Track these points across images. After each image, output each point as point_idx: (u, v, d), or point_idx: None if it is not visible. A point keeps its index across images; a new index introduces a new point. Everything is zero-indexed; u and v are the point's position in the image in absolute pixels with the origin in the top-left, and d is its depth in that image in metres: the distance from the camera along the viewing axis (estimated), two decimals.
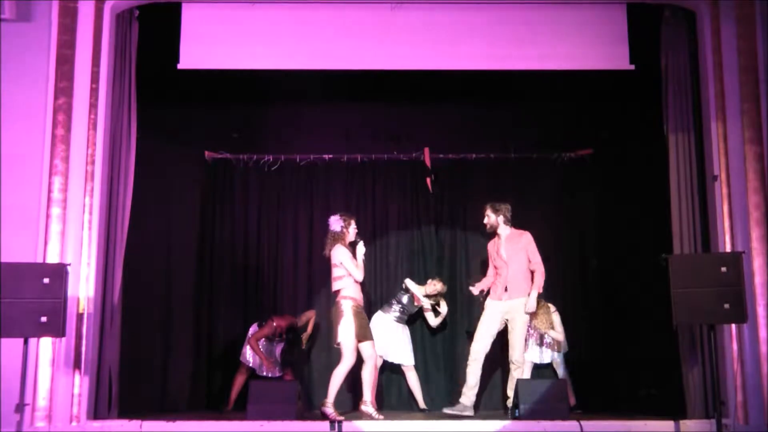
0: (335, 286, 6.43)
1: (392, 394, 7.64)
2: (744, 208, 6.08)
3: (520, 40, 6.67)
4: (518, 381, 6.41)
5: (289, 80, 7.00)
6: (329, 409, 6.14)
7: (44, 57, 6.11)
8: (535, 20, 6.67)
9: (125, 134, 6.40)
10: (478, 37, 6.67)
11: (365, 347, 6.36)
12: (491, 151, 8.17)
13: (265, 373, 7.37)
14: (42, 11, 6.16)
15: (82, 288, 5.89)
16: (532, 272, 6.72)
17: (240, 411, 6.67)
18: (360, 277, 6.38)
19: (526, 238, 6.79)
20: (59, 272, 5.31)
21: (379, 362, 7.06)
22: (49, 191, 5.92)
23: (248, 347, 7.42)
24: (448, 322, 7.69)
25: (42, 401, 5.65)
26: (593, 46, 6.65)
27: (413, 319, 7.53)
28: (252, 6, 6.63)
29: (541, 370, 7.26)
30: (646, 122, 7.08)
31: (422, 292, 7.40)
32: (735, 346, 5.97)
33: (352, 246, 6.49)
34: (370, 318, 6.95)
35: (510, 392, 6.55)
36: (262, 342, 7.41)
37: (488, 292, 6.83)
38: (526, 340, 7.25)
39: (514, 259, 6.70)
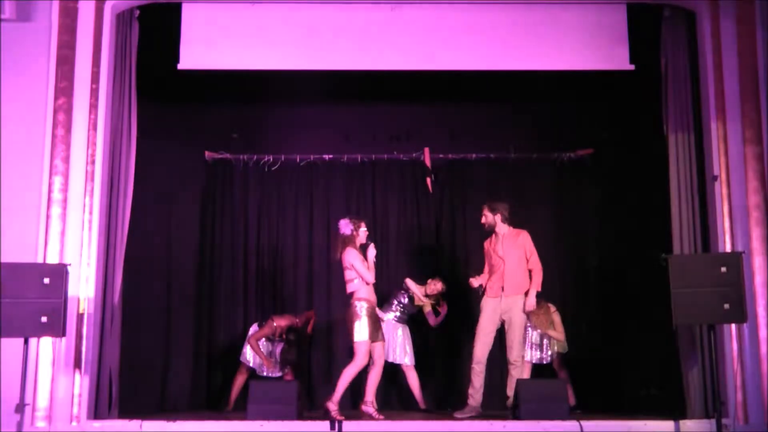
0: (349, 288, 6.47)
1: (392, 394, 7.65)
2: (744, 208, 6.08)
3: (520, 40, 6.67)
4: (518, 381, 6.40)
5: (289, 80, 7.00)
6: (334, 406, 6.16)
7: (44, 57, 6.10)
8: (535, 20, 6.67)
9: (125, 134, 6.40)
10: (478, 37, 6.67)
11: (376, 348, 6.40)
12: (491, 151, 8.17)
13: (265, 373, 7.36)
14: (42, 11, 6.16)
15: (83, 288, 5.89)
16: (529, 271, 6.72)
17: (240, 411, 6.66)
18: (371, 279, 6.41)
19: (524, 237, 6.80)
20: (59, 272, 5.31)
21: None
22: (49, 191, 5.92)
23: (248, 347, 7.42)
24: (448, 322, 7.68)
25: (42, 401, 5.65)
26: (593, 46, 6.65)
27: (413, 319, 7.52)
28: (252, 6, 6.63)
29: (541, 370, 7.26)
30: (646, 122, 7.08)
31: (422, 292, 7.41)
32: (735, 346, 5.97)
33: (363, 249, 6.50)
34: None
35: (510, 392, 6.55)
36: (262, 342, 7.41)
37: (484, 291, 6.82)
38: (526, 341, 7.27)
39: (511, 257, 6.71)
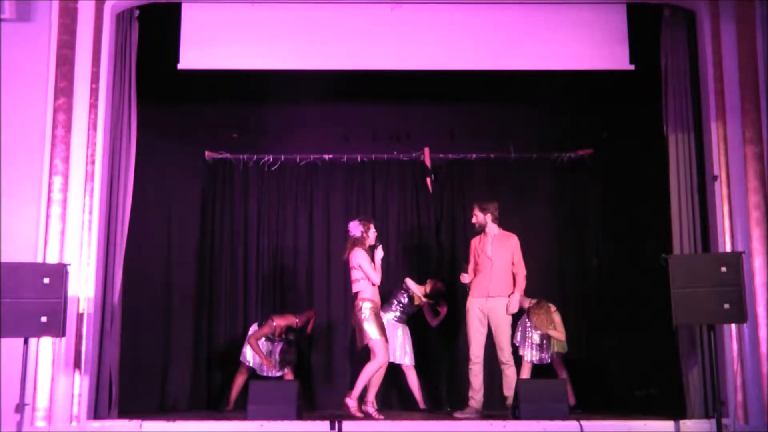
0: (355, 288, 6.49)
1: (392, 394, 7.65)
2: (744, 208, 6.08)
3: (520, 40, 6.68)
4: (518, 381, 6.41)
5: (289, 80, 7.00)
6: (352, 402, 6.18)
7: (44, 57, 6.10)
8: (535, 20, 6.67)
9: (125, 134, 6.40)
10: (478, 36, 6.67)
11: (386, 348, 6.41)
12: (491, 151, 8.17)
13: (265, 373, 7.36)
14: (42, 11, 6.16)
15: (82, 288, 5.89)
16: (514, 275, 6.75)
17: (240, 411, 6.66)
18: (377, 280, 6.44)
19: (514, 241, 6.82)
20: (59, 272, 5.31)
21: None
22: (49, 191, 5.92)
23: (248, 347, 7.42)
24: (448, 322, 7.68)
25: (42, 401, 5.65)
26: (593, 46, 6.65)
27: (413, 319, 7.52)
28: (252, 6, 6.63)
29: (541, 370, 7.26)
30: (646, 122, 7.08)
31: (422, 291, 7.41)
32: (735, 346, 5.97)
33: (371, 250, 6.51)
34: None
35: (507, 392, 6.56)
36: (262, 341, 7.41)
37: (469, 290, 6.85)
38: (526, 341, 7.27)
39: (499, 259, 6.73)
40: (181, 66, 6.57)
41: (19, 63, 6.11)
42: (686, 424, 5.79)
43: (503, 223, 7.87)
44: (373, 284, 6.44)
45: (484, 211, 6.86)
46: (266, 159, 8.16)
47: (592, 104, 7.83)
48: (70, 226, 5.92)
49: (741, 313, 5.49)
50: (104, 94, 6.19)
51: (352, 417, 6.13)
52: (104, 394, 6.02)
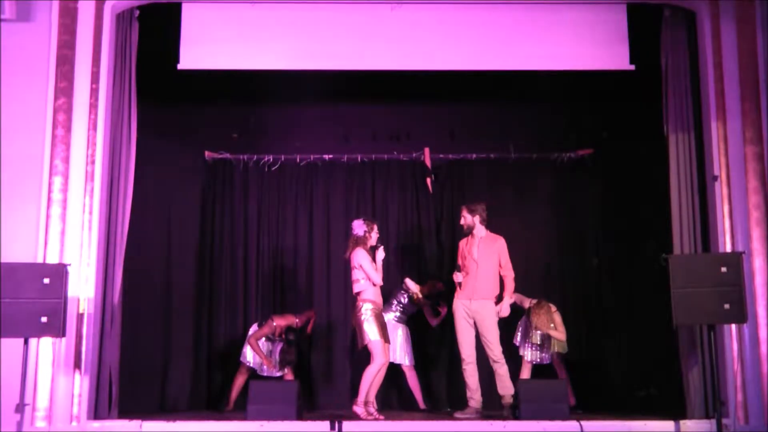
0: (355, 288, 6.48)
1: (392, 394, 7.64)
2: (744, 208, 6.08)
3: (520, 40, 6.68)
4: (518, 381, 6.41)
5: (290, 80, 7.00)
6: (360, 408, 6.17)
7: (44, 57, 6.10)
8: (535, 20, 6.67)
9: (125, 134, 6.40)
10: (478, 36, 6.67)
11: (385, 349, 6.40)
12: (491, 151, 8.17)
13: (265, 373, 7.36)
14: (42, 11, 6.16)
15: (83, 288, 5.89)
16: (501, 278, 6.77)
17: (240, 411, 6.66)
18: (378, 280, 6.42)
19: (500, 243, 6.83)
20: (59, 272, 5.31)
21: None
22: (49, 191, 5.92)
23: (248, 347, 7.42)
24: (448, 322, 7.67)
25: (42, 401, 5.65)
26: (593, 46, 6.65)
27: (413, 319, 7.52)
28: (252, 6, 6.63)
29: (541, 370, 7.26)
30: (646, 122, 7.08)
31: (422, 292, 7.40)
32: (735, 346, 5.97)
33: (373, 250, 6.51)
34: None
35: (502, 390, 6.57)
36: (262, 341, 7.41)
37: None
38: (526, 341, 7.27)
39: (485, 261, 6.74)
40: (181, 66, 6.57)
41: (19, 63, 6.11)
42: (686, 424, 5.79)
43: (503, 223, 7.90)
44: (374, 285, 6.43)
45: (472, 212, 6.88)
46: (266, 159, 8.15)
47: (592, 104, 7.83)
48: (70, 226, 5.92)
49: (741, 313, 5.49)
50: (104, 94, 6.19)
51: (357, 418, 6.12)
52: (104, 394, 6.02)
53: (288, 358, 7.33)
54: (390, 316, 7.28)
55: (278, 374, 7.39)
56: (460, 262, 6.93)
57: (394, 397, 7.65)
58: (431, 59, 6.69)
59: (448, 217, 8.21)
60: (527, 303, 7.27)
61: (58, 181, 5.94)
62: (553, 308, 7.21)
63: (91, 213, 6.01)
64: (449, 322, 7.64)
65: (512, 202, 8.17)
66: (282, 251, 8.15)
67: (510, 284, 6.77)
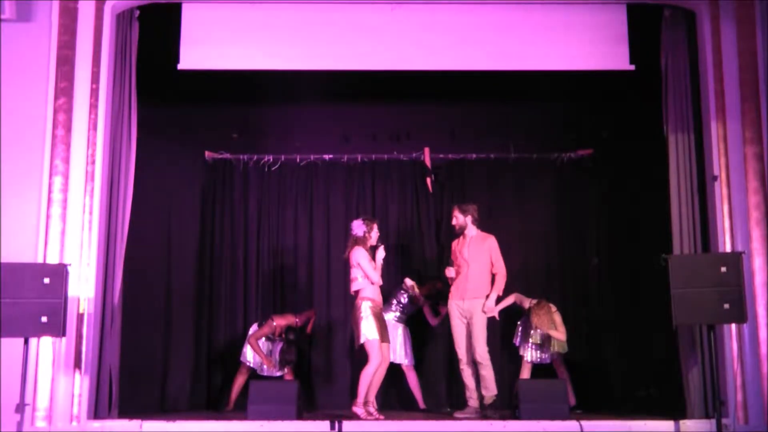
0: (353, 287, 6.49)
1: (392, 394, 7.64)
2: (744, 208, 6.08)
3: (520, 41, 6.68)
4: (519, 381, 6.40)
5: (289, 80, 7.00)
6: (360, 409, 6.17)
7: (44, 57, 6.11)
8: (535, 20, 6.67)
9: (125, 134, 6.40)
10: (479, 37, 6.67)
11: (383, 349, 6.40)
12: (491, 151, 8.17)
13: (265, 373, 7.36)
14: (42, 11, 6.16)
15: (83, 288, 5.90)
16: (494, 276, 6.77)
17: (240, 411, 6.67)
18: (377, 279, 6.42)
19: (491, 242, 6.85)
20: (59, 272, 5.31)
21: None
22: (49, 191, 5.92)
23: (248, 347, 7.42)
24: (448, 322, 7.67)
25: (42, 401, 5.65)
26: (593, 46, 6.66)
27: (413, 319, 7.52)
28: (252, 6, 6.63)
29: (541, 370, 7.26)
30: (646, 122, 7.08)
31: (422, 292, 7.40)
32: (735, 346, 5.97)
33: (373, 250, 6.51)
34: None
35: (484, 391, 6.58)
36: (262, 341, 7.41)
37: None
38: (526, 341, 7.27)
39: (475, 261, 6.75)
40: (181, 66, 6.57)
41: (19, 63, 6.11)
42: (686, 424, 5.79)
43: (503, 223, 7.92)
44: (373, 283, 6.43)
45: (464, 212, 6.90)
46: (266, 159, 8.15)
47: (592, 104, 7.83)
48: (70, 226, 5.92)
49: (741, 313, 5.49)
50: (104, 94, 6.20)
51: (356, 418, 6.12)
52: (104, 394, 6.02)
53: (288, 357, 7.33)
54: (390, 316, 7.28)
55: (278, 374, 7.39)
56: (453, 262, 6.94)
57: (394, 397, 7.64)
58: (431, 59, 6.69)
59: (448, 217, 8.17)
60: (527, 303, 7.27)
61: (58, 181, 5.95)
62: (554, 308, 7.21)
63: (91, 213, 6.01)
64: (449, 322, 7.65)
65: (512, 202, 8.17)
66: (282, 251, 8.15)
67: (499, 282, 6.78)
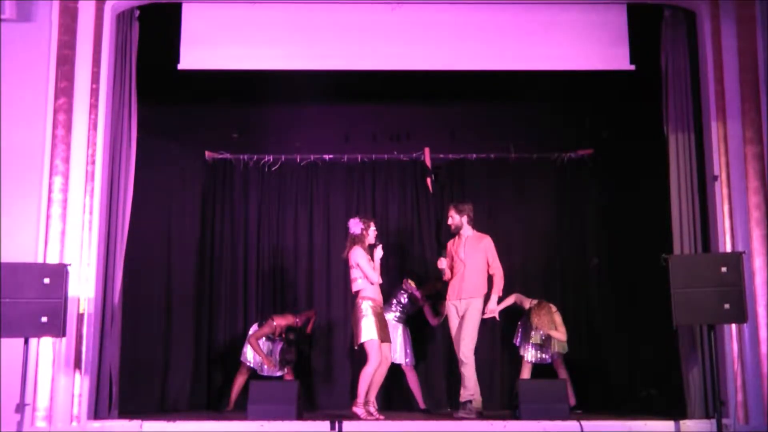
0: (354, 287, 6.48)
1: (392, 394, 7.64)
2: (744, 208, 6.08)
3: (520, 41, 6.68)
4: (519, 381, 6.40)
5: (289, 80, 7.00)
6: (360, 409, 6.17)
7: (44, 57, 6.10)
8: (535, 20, 6.67)
9: (125, 134, 6.40)
10: (478, 37, 6.67)
11: (382, 349, 6.40)
12: (491, 151, 8.17)
13: (265, 373, 7.36)
14: (42, 11, 6.16)
15: (83, 288, 5.89)
16: (491, 276, 6.78)
17: (240, 411, 6.67)
18: (375, 279, 6.41)
19: (487, 242, 6.85)
20: (59, 272, 5.31)
21: None
22: (49, 191, 5.92)
23: (249, 347, 7.42)
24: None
25: (42, 401, 5.64)
26: (593, 47, 6.65)
27: (413, 319, 7.52)
28: (252, 6, 6.63)
29: (541, 370, 7.26)
30: (646, 122, 7.08)
31: (422, 292, 7.40)
32: (735, 346, 5.97)
33: (371, 248, 6.50)
34: None
35: (462, 390, 6.56)
36: (262, 341, 7.41)
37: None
38: (528, 342, 7.27)
39: (471, 261, 6.75)
40: (181, 66, 6.57)
41: (19, 63, 6.10)
42: (686, 424, 5.79)
43: (503, 223, 7.92)
44: (372, 283, 6.42)
45: (460, 212, 6.89)
46: (266, 159, 8.16)
47: (592, 104, 7.84)
48: (70, 226, 5.92)
49: (741, 313, 5.49)
50: (104, 94, 6.19)
51: (356, 418, 6.12)
52: (104, 394, 6.02)
53: (288, 357, 7.33)
54: (390, 316, 7.27)
55: (278, 374, 7.40)
56: (449, 262, 6.94)
57: (394, 397, 7.64)
58: (431, 59, 6.69)
59: (448, 217, 8.20)
60: (527, 303, 7.27)
61: (58, 181, 5.94)
62: (554, 308, 7.21)
63: (91, 213, 6.01)
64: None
65: (512, 202, 8.18)
66: (282, 251, 8.15)
67: (498, 282, 6.77)
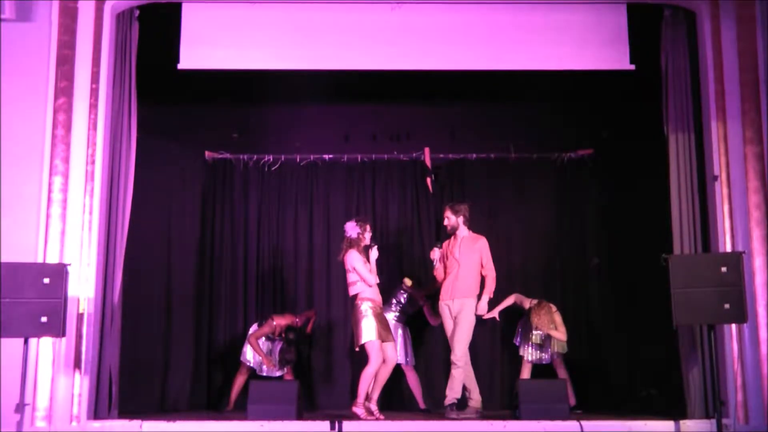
0: (352, 291, 6.47)
1: (392, 394, 7.64)
2: (744, 208, 6.07)
3: (520, 40, 6.67)
4: (519, 381, 6.40)
5: (290, 80, 7.00)
6: (359, 409, 6.17)
7: (44, 57, 6.10)
8: (535, 20, 6.67)
9: (125, 134, 6.39)
10: (478, 37, 6.67)
11: (387, 348, 6.38)
12: (491, 151, 8.17)
13: (265, 372, 7.36)
14: (42, 11, 6.16)
15: (83, 288, 5.89)
16: (484, 277, 6.77)
17: (240, 411, 6.67)
18: (372, 282, 6.39)
19: (482, 243, 6.84)
20: (59, 272, 5.31)
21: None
22: (49, 191, 5.92)
23: (248, 347, 7.42)
24: None
25: (42, 401, 5.64)
26: (593, 46, 6.65)
27: (413, 319, 7.52)
28: (252, 6, 6.63)
29: (541, 370, 7.26)
30: (646, 122, 7.08)
31: (422, 292, 7.40)
32: (735, 346, 5.97)
33: (366, 250, 6.49)
34: None
35: (448, 391, 6.55)
36: (262, 341, 7.41)
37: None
38: (529, 342, 7.27)
39: (465, 261, 6.74)
40: (181, 66, 6.56)
41: (19, 63, 6.10)
42: (686, 424, 5.79)
43: (503, 223, 7.91)
44: (369, 286, 6.41)
45: (456, 213, 6.88)
46: (266, 159, 8.16)
47: (592, 104, 7.83)
48: (70, 226, 5.92)
49: (741, 313, 5.49)
50: (104, 94, 6.19)
51: (356, 418, 6.11)
52: (104, 394, 6.01)
53: (287, 357, 7.33)
54: (389, 316, 7.27)
55: (278, 374, 7.40)
56: (443, 261, 6.93)
57: (394, 397, 7.64)
58: (431, 59, 6.68)
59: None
60: (527, 303, 7.27)
61: (58, 181, 5.94)
62: (554, 308, 7.21)
63: (91, 213, 6.01)
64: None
65: (512, 202, 8.18)
66: (282, 251, 8.15)
67: (490, 284, 6.76)
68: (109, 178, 6.25)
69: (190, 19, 6.59)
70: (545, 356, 7.23)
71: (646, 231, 7.20)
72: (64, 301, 5.26)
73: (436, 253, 6.93)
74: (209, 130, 8.14)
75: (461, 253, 6.78)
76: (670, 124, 6.53)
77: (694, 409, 6.04)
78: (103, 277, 6.11)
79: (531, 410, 5.97)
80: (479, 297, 6.75)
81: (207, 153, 8.16)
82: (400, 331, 7.31)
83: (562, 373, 7.19)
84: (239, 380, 7.43)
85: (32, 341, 5.50)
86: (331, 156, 8.17)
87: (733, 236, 6.08)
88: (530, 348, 7.26)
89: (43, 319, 5.20)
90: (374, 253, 6.49)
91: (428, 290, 7.46)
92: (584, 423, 5.73)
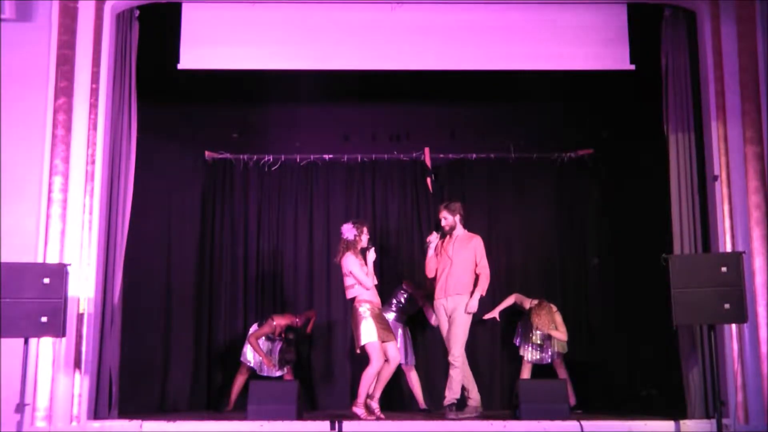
0: (349, 294, 6.46)
1: (392, 394, 7.63)
2: (744, 208, 6.08)
3: (520, 40, 6.68)
4: (519, 381, 6.39)
5: (289, 80, 7.01)
6: (359, 409, 6.17)
7: (44, 57, 6.10)
8: (535, 20, 6.67)
9: (125, 134, 6.40)
10: (478, 37, 6.67)
11: (389, 348, 6.37)
12: (491, 151, 8.17)
13: (265, 372, 7.36)
14: (42, 11, 6.16)
15: (82, 288, 5.89)
16: (477, 276, 6.76)
17: (240, 411, 6.67)
18: (369, 284, 6.38)
19: (476, 241, 6.83)
20: (59, 272, 5.31)
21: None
22: (49, 191, 5.92)
23: (248, 347, 7.42)
24: None
25: (42, 401, 5.64)
26: (593, 46, 6.65)
27: (413, 319, 7.52)
28: (252, 6, 6.63)
29: (541, 370, 7.26)
30: (646, 122, 7.09)
31: (422, 292, 7.40)
32: (735, 346, 5.97)
33: (363, 252, 6.48)
34: None
35: (447, 392, 6.53)
36: (262, 341, 7.41)
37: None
38: (529, 342, 7.27)
39: (459, 259, 6.73)
40: (181, 66, 6.57)
41: (19, 63, 6.10)
42: (687, 424, 5.79)
43: (504, 223, 7.91)
44: (367, 289, 6.41)
45: (452, 212, 6.87)
46: (266, 159, 8.16)
47: (593, 104, 7.83)
48: (70, 226, 5.92)
49: (741, 313, 5.49)
50: (104, 94, 6.20)
51: (357, 418, 6.11)
52: (104, 394, 6.02)
53: (287, 357, 7.33)
54: (389, 317, 7.27)
55: (278, 374, 7.39)
56: (438, 260, 6.92)
57: (394, 397, 7.64)
58: (431, 59, 6.68)
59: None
60: (528, 304, 7.27)
61: (58, 181, 5.94)
62: (554, 308, 7.21)
63: (91, 213, 6.01)
64: None
65: (512, 202, 8.18)
66: (282, 251, 8.15)
67: (483, 282, 6.74)
68: (109, 178, 6.25)
69: (190, 19, 6.59)
70: (545, 356, 7.23)
71: (646, 231, 7.20)
72: (64, 301, 5.26)
73: (433, 236, 6.89)
74: (209, 130, 8.14)
75: (454, 251, 6.77)
76: (670, 124, 6.53)
77: (694, 409, 6.04)
78: (103, 277, 6.11)
79: (531, 410, 5.96)
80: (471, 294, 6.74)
81: (207, 153, 8.16)
82: (400, 332, 7.30)
83: (562, 373, 7.19)
84: (239, 380, 7.43)
85: (32, 341, 5.50)
86: (330, 156, 8.16)
87: (733, 236, 6.08)
88: (530, 348, 7.26)
89: (43, 319, 5.20)
90: (371, 255, 6.46)
91: (428, 290, 7.46)
92: (584, 423, 5.73)
